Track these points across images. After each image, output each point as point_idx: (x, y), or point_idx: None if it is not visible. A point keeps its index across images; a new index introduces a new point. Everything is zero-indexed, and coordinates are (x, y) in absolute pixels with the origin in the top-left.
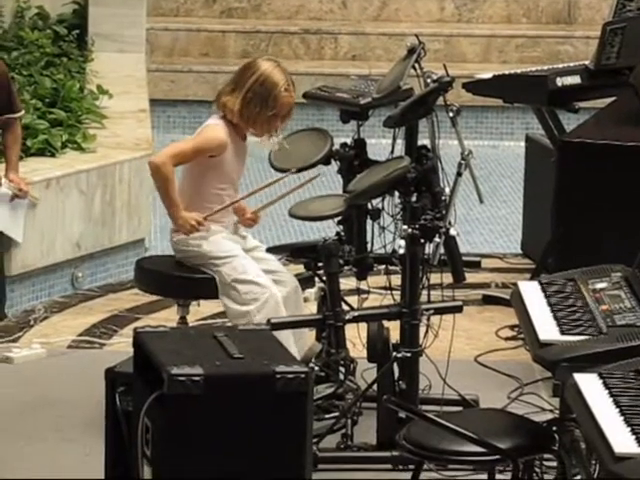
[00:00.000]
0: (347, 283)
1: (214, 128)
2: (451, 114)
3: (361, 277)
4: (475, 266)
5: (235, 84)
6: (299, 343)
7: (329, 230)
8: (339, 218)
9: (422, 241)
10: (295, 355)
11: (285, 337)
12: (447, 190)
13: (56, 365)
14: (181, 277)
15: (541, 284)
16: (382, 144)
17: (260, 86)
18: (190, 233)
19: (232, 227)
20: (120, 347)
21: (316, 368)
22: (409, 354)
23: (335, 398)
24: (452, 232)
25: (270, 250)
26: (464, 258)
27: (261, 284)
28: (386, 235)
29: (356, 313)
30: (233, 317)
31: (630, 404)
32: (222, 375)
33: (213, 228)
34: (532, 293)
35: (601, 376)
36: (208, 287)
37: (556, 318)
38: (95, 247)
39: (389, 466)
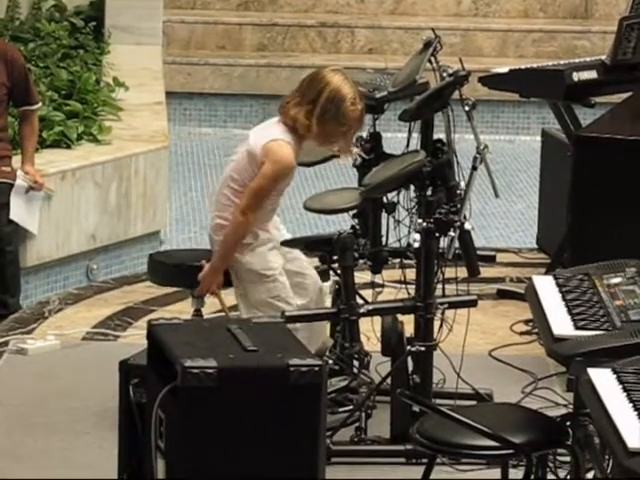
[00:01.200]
0: (362, 276)
1: (284, 150)
2: (467, 108)
3: (376, 271)
4: (490, 260)
5: (302, 96)
6: (314, 336)
7: (344, 223)
8: (354, 211)
9: (437, 235)
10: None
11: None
12: (462, 184)
13: (70, 357)
14: (195, 267)
15: (556, 279)
16: (398, 138)
17: (330, 103)
18: (203, 287)
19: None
20: (134, 339)
21: (330, 362)
22: (423, 348)
23: (349, 391)
24: (467, 226)
25: (285, 243)
26: (479, 252)
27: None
28: (401, 229)
29: (370, 307)
30: None
31: None
32: (236, 368)
33: (261, 237)
34: (546, 288)
35: (615, 371)
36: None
37: (570, 313)
38: (110, 239)
39: (402, 460)
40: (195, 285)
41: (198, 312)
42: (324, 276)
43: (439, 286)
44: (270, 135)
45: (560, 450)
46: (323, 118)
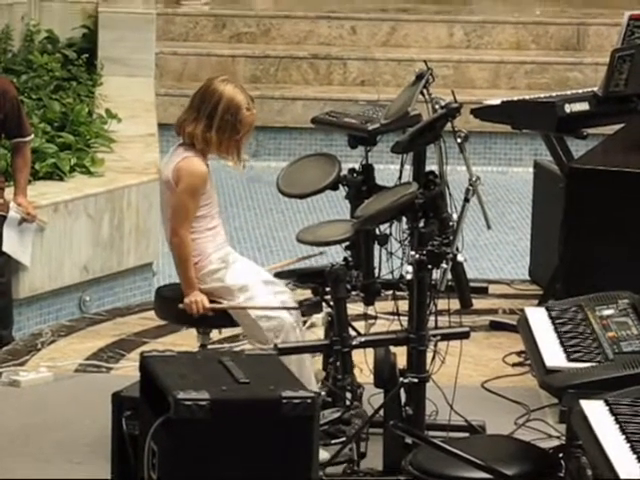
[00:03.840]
0: (354, 308)
1: (192, 163)
2: (459, 140)
3: (368, 302)
4: (482, 292)
5: (197, 112)
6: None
7: (337, 255)
8: (347, 243)
9: (429, 267)
10: (311, 375)
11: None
12: (455, 216)
13: (63, 389)
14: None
15: (548, 310)
16: (390, 170)
17: (226, 113)
18: (187, 309)
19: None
20: (127, 371)
21: (322, 393)
22: (416, 380)
23: (341, 423)
24: (460, 258)
25: (278, 275)
26: (471, 284)
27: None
28: (394, 261)
29: (363, 338)
30: None
31: (636, 431)
32: (228, 400)
33: (231, 256)
34: (539, 319)
35: (607, 403)
36: (229, 316)
37: (563, 345)
38: (103, 271)
39: None
40: (204, 324)
41: (204, 348)
42: (317, 308)
43: (432, 318)
44: (175, 159)
45: None
46: (221, 130)
